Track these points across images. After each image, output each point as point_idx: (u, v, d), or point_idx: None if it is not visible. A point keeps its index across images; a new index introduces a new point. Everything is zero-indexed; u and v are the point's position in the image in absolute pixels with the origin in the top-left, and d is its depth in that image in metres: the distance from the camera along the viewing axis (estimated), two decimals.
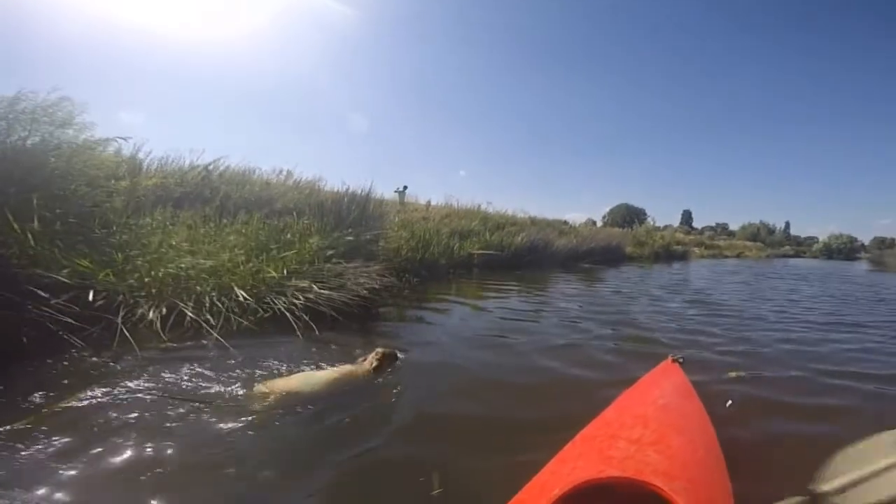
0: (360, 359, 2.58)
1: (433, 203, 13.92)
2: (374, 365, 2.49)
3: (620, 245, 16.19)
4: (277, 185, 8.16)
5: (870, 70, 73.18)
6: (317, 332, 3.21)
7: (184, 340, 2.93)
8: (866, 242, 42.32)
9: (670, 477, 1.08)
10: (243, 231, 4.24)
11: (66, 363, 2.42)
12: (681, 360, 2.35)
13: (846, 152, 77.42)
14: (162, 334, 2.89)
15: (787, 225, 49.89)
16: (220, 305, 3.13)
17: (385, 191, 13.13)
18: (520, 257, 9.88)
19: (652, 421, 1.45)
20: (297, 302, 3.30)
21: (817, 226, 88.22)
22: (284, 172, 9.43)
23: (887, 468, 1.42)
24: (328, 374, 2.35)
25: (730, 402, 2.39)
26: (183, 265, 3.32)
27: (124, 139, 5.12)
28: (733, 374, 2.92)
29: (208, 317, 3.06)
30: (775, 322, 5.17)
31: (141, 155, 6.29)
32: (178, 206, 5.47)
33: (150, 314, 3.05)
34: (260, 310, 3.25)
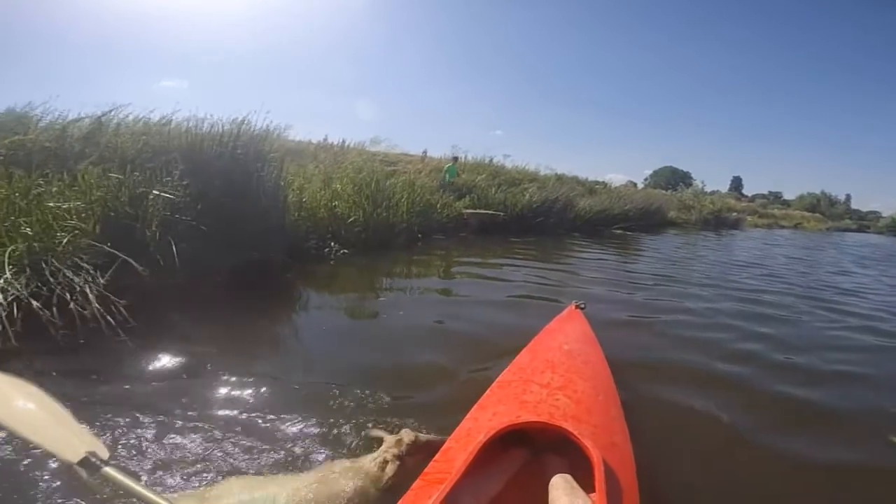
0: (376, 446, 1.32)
1: (430, 155, 11.53)
2: (393, 464, 1.18)
3: (662, 208, 13.46)
4: (204, 136, 5.97)
5: None
6: None
7: None
8: None
9: (578, 420, 1.16)
10: None
11: None
12: (583, 307, 2.27)
13: None
14: None
15: (848, 197, 46.62)
16: None
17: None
18: (526, 220, 7.53)
19: (559, 366, 1.49)
20: None
21: (880, 200, 79.34)
22: (238, 120, 7.34)
23: None
24: (296, 481, 1.10)
25: None
26: None
27: None
28: None
29: None
30: None
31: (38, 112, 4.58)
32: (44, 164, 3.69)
33: None
34: None
